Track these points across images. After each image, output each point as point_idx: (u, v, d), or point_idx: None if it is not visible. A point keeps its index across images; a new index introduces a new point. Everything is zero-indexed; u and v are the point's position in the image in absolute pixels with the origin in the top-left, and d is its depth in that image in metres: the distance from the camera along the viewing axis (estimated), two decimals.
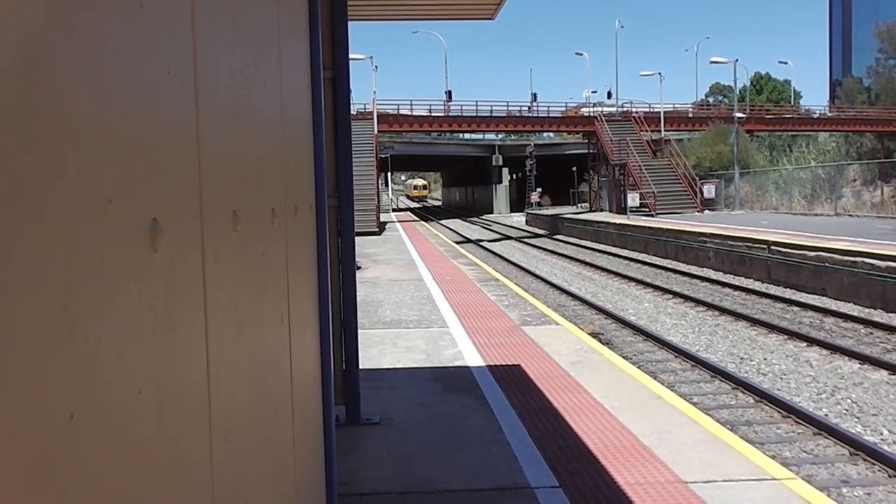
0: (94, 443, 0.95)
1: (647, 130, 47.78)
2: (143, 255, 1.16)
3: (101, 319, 0.98)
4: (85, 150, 0.94)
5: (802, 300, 17.03)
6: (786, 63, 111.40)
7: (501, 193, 72.32)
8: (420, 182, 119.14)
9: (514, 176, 73.61)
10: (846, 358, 11.63)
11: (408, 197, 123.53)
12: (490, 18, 7.85)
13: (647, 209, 39.80)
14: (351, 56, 6.97)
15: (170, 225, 1.29)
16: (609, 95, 65.42)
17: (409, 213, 72.38)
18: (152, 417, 1.18)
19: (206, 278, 1.55)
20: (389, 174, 68.94)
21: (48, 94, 0.85)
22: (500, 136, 68.11)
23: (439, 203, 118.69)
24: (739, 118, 44.56)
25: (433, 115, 50.74)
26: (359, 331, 6.77)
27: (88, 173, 0.95)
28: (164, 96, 1.31)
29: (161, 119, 1.29)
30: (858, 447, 7.76)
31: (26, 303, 0.78)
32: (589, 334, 11.12)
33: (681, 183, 42.51)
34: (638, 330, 14.20)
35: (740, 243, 22.54)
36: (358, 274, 11.22)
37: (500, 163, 69.11)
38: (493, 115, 51.61)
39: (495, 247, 35.27)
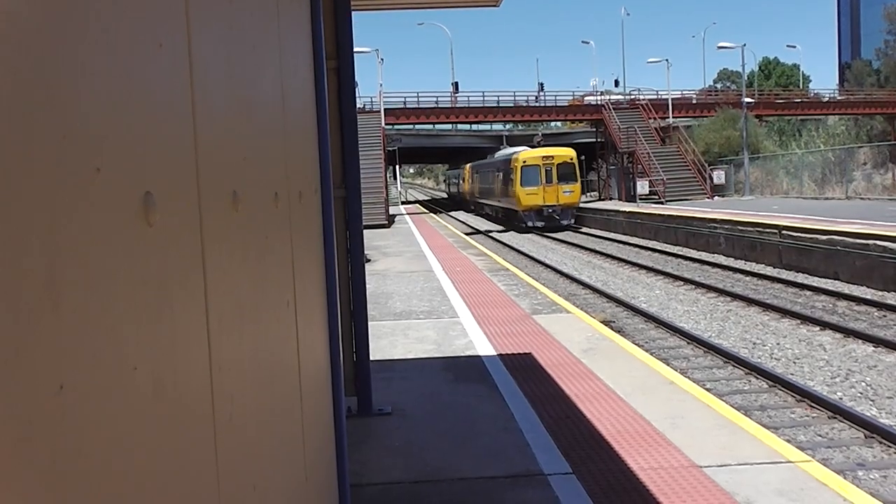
0: (86, 416, 0.92)
1: (654, 118, 47.53)
2: (136, 228, 1.13)
3: (90, 290, 0.95)
4: (68, 117, 0.92)
5: (815, 284, 16.92)
6: (794, 47, 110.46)
7: None
8: (540, 154, 38.66)
9: None
10: (860, 341, 11.54)
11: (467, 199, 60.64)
12: (495, 5, 7.77)
13: (657, 196, 39.64)
14: (356, 49, 6.92)
15: (164, 199, 1.26)
16: (616, 83, 65.26)
17: (417, 205, 72.25)
18: (149, 393, 1.15)
19: (205, 256, 1.52)
20: (398, 167, 68.78)
21: (23, 56, 0.82)
22: (507, 126, 67.82)
23: (446, 195, 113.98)
24: (748, 103, 44.26)
25: (440, 106, 50.60)
26: (369, 322, 6.75)
27: (73, 139, 0.92)
28: (155, 69, 1.28)
29: (151, 93, 1.26)
30: (874, 430, 7.70)
31: (3, 269, 0.76)
32: (600, 322, 11.07)
33: (690, 169, 42.30)
34: (649, 317, 14.14)
35: (751, 228, 22.40)
36: (368, 266, 11.20)
37: None
38: (500, 105, 51.45)
39: (504, 237, 35.20)
